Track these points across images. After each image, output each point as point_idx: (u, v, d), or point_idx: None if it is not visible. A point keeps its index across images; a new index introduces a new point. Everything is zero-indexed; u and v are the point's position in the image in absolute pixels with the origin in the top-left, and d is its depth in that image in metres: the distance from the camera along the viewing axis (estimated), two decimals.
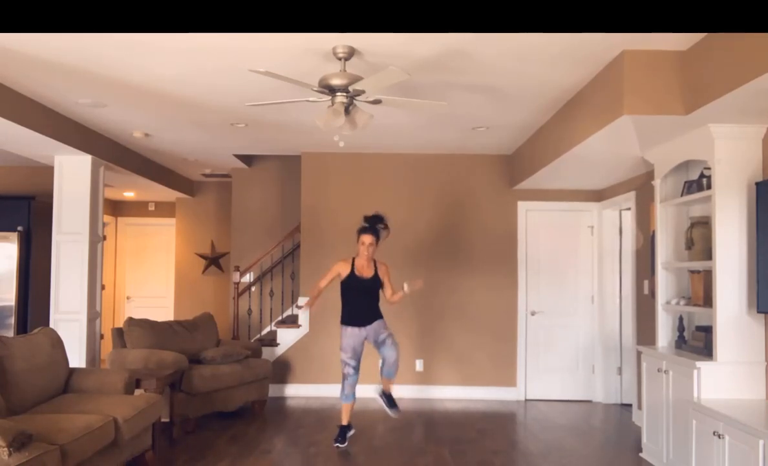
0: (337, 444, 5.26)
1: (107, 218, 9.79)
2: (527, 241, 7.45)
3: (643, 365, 5.03)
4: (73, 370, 4.78)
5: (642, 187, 6.10)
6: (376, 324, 5.32)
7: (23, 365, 4.15)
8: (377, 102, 4.09)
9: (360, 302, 5.32)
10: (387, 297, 5.39)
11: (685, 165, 4.87)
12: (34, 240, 7.35)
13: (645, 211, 6.03)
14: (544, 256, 7.45)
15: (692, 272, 4.66)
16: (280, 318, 8.21)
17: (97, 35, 3.72)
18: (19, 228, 7.28)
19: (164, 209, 10.24)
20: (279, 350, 7.38)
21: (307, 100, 4.12)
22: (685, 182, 4.77)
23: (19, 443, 3.07)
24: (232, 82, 4.66)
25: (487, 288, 7.40)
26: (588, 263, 7.42)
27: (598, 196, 7.37)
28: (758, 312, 3.95)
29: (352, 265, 5.34)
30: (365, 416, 6.30)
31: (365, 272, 5.34)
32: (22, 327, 7.17)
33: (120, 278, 10.24)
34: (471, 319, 7.38)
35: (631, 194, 6.37)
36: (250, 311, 7.98)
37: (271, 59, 4.11)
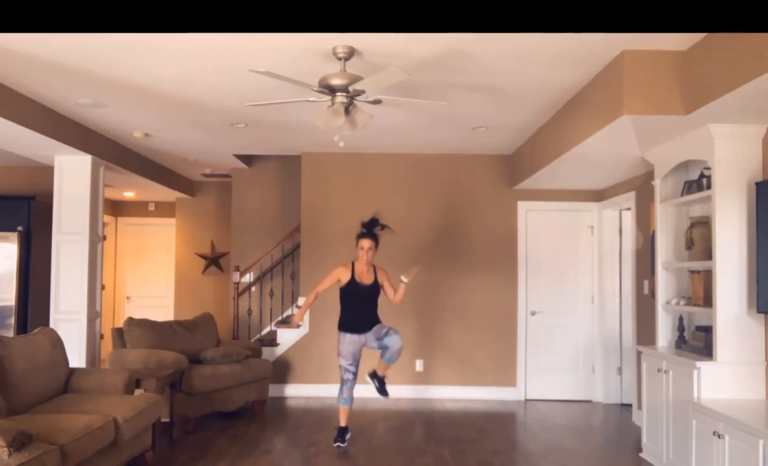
0: (338, 443, 5.26)
1: (107, 218, 9.79)
2: (527, 241, 7.45)
3: (643, 365, 5.03)
4: (73, 370, 4.78)
5: (642, 187, 6.10)
6: (375, 329, 5.32)
7: (23, 365, 4.15)
8: (377, 102, 4.09)
9: (360, 308, 5.32)
10: (391, 298, 5.38)
11: (685, 165, 4.87)
12: (34, 240, 7.35)
13: (645, 212, 6.03)
14: (544, 256, 7.45)
15: (692, 272, 4.66)
16: (280, 318, 8.21)
17: (97, 35, 3.72)
18: (19, 228, 7.28)
19: (164, 209, 10.24)
20: (279, 350, 7.38)
21: (307, 100, 4.12)
22: (685, 182, 4.77)
23: (19, 443, 3.07)
24: (232, 82, 4.66)
25: (487, 288, 7.40)
26: (588, 263, 7.42)
27: (598, 196, 7.37)
28: (758, 312, 3.96)
29: (352, 271, 5.33)
30: (365, 416, 6.30)
31: (365, 278, 5.32)
32: (22, 327, 7.17)
33: (120, 278, 10.24)
34: (471, 319, 7.38)
35: (631, 194, 6.37)
36: (250, 311, 7.98)
37: (271, 59, 4.11)
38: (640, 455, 5.09)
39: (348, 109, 3.91)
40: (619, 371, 7.19)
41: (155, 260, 10.23)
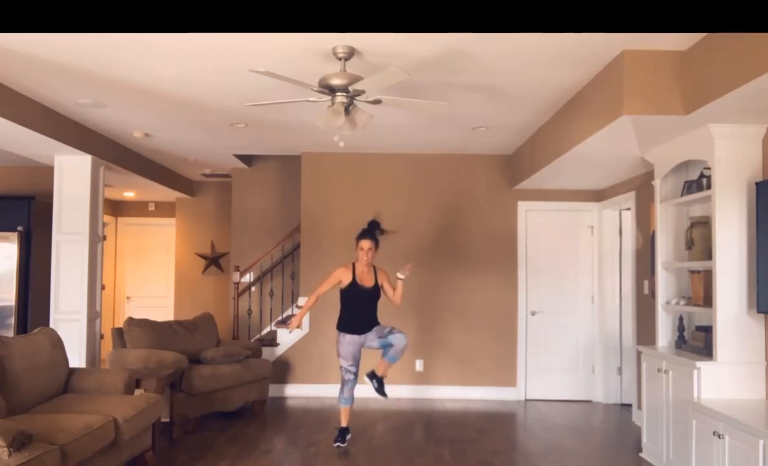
0: (338, 444, 5.26)
1: (107, 218, 9.79)
2: (527, 241, 7.45)
3: (643, 365, 5.03)
4: (73, 370, 4.78)
5: (642, 187, 6.10)
6: (375, 329, 5.33)
7: (23, 365, 4.15)
8: (377, 102, 4.09)
9: (361, 310, 5.31)
10: (391, 297, 5.38)
11: (685, 165, 4.87)
12: (34, 240, 7.35)
13: (645, 212, 6.03)
14: (544, 256, 7.45)
15: (692, 272, 4.66)
16: (280, 318, 8.21)
17: (97, 35, 3.72)
18: (19, 228, 7.28)
19: (164, 209, 10.24)
20: (279, 350, 7.38)
21: (307, 100, 4.12)
22: (685, 182, 4.77)
23: (19, 443, 3.07)
24: (232, 82, 4.66)
25: (487, 288, 7.40)
26: (588, 263, 7.42)
27: (598, 196, 7.37)
28: (758, 312, 3.96)
29: (353, 273, 5.33)
30: (365, 416, 6.30)
31: (366, 280, 5.32)
32: (22, 327, 7.17)
33: (120, 278, 10.24)
34: (471, 319, 7.38)
35: (631, 194, 6.37)
36: (250, 311, 7.98)
37: (271, 59, 4.11)
38: (640, 455, 5.09)
39: (348, 109, 3.91)
40: (619, 371, 7.19)
41: (155, 260, 10.23)
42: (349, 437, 5.38)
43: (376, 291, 5.35)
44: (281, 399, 7.17)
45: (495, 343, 7.37)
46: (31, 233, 7.36)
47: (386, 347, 5.28)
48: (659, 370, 4.69)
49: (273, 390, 7.18)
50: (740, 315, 4.13)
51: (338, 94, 3.86)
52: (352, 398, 5.37)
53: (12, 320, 7.13)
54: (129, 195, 9.64)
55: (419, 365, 7.36)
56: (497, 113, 5.52)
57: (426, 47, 3.87)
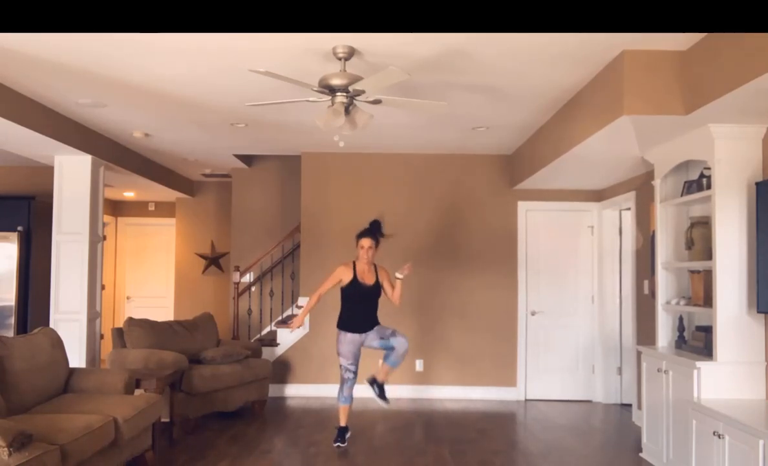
0: (338, 443, 5.26)
1: (107, 218, 9.79)
2: (527, 241, 7.45)
3: (643, 365, 5.03)
4: (73, 370, 4.78)
5: (642, 187, 6.10)
6: (376, 329, 5.33)
7: (23, 365, 4.15)
8: (377, 102, 4.09)
9: (361, 308, 5.31)
10: (390, 296, 5.38)
11: (685, 165, 4.87)
12: (34, 240, 7.35)
13: (645, 212, 6.03)
14: (544, 256, 7.45)
15: (692, 272, 4.66)
16: (280, 318, 8.21)
17: (97, 35, 3.72)
18: (19, 228, 7.28)
19: (164, 209, 10.24)
20: (279, 350, 7.38)
21: (307, 100, 4.12)
22: (685, 182, 4.77)
23: (19, 443, 3.07)
24: (232, 82, 4.66)
25: (487, 288, 7.40)
26: (588, 263, 7.42)
27: (598, 196, 7.37)
28: (758, 312, 3.95)
29: (354, 271, 5.33)
30: (365, 416, 6.30)
31: (367, 278, 5.32)
32: (22, 327, 7.17)
33: (120, 278, 10.24)
34: (471, 319, 7.38)
35: (631, 194, 6.37)
36: (250, 311, 7.98)
37: (271, 59, 4.11)
38: (640, 455, 5.09)
39: (348, 109, 3.91)
40: (619, 371, 7.19)
41: (155, 260, 10.23)
42: (348, 436, 5.38)
43: (376, 289, 5.35)
44: (281, 399, 7.17)
45: (495, 343, 7.37)
46: (31, 233, 7.36)
47: (387, 348, 5.28)
48: (659, 370, 4.69)
49: (273, 390, 7.18)
50: (740, 315, 4.13)
51: (338, 94, 3.86)
52: (351, 397, 5.37)
53: (12, 320, 7.12)
54: (129, 195, 9.64)
55: (419, 365, 7.36)
56: (497, 113, 5.52)
57: (426, 47, 3.86)
